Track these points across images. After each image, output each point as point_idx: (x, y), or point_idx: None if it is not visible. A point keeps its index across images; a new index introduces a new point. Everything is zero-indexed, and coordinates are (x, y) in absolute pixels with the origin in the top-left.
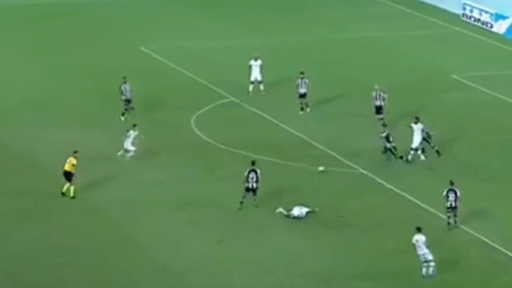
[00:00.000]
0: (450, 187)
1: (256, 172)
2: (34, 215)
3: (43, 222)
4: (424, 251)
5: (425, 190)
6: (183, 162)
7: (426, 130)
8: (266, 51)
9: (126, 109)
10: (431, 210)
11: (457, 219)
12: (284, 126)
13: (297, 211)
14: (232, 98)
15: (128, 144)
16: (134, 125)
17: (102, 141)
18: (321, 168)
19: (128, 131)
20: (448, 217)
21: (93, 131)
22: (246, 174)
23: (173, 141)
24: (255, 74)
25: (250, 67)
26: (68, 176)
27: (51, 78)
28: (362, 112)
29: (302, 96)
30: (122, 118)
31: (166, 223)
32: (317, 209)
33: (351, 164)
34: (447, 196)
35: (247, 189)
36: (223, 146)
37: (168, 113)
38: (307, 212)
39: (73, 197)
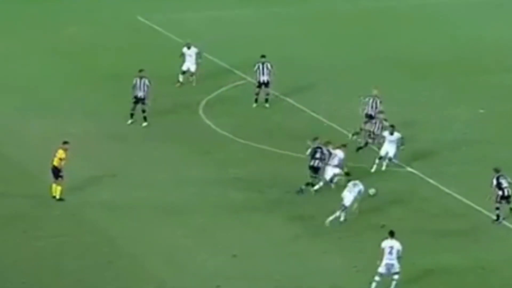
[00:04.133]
0: (497, 174)
1: (321, 149)
2: (7, 222)
3: (18, 231)
4: (393, 261)
5: (485, 193)
6: (189, 159)
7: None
8: (290, 22)
9: (132, 111)
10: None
11: None
12: (313, 114)
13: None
14: (249, 79)
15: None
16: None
17: (94, 135)
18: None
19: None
20: (497, 208)
21: (80, 121)
22: (311, 152)
23: (176, 132)
24: (188, 64)
25: (182, 55)
26: (55, 172)
27: (32, 61)
28: (411, 98)
29: (264, 84)
30: (129, 121)
31: (168, 232)
32: (356, 211)
33: (396, 161)
34: (499, 184)
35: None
36: (238, 139)
37: (170, 98)
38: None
39: (59, 199)
